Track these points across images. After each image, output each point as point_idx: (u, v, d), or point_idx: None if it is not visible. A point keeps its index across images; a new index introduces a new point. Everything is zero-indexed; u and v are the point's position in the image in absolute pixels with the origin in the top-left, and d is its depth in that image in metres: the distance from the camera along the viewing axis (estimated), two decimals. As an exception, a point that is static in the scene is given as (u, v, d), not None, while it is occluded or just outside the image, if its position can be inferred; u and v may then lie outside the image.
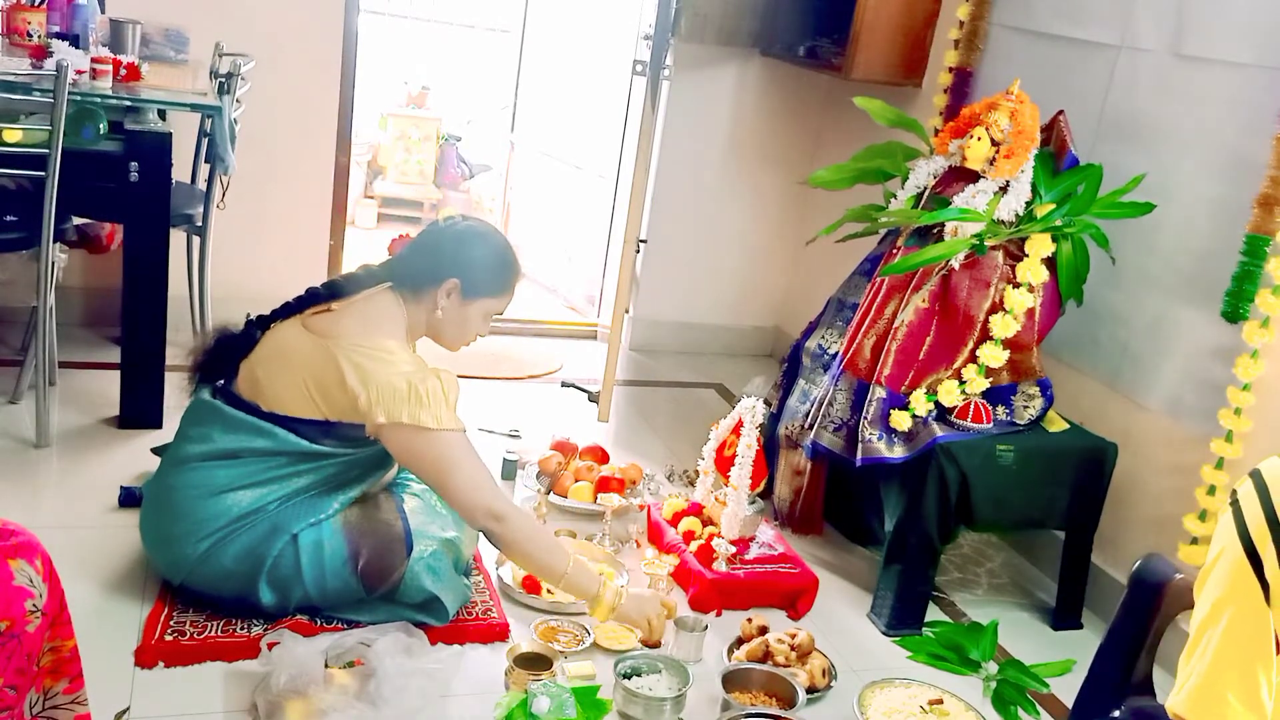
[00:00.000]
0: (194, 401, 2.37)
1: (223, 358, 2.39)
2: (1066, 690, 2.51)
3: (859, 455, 2.75)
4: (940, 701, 2.34)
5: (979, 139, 2.86)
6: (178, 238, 3.46)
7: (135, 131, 2.94)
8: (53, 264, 2.90)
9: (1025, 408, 2.81)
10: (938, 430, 2.70)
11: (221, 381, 2.38)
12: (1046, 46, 3.28)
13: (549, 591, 2.57)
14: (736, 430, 2.81)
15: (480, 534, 2.62)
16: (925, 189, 3.02)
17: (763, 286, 4.74)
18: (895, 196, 3.08)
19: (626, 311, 4.06)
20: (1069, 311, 2.89)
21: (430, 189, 6.96)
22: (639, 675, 2.27)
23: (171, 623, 2.26)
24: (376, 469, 2.41)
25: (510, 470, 3.17)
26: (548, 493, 3.04)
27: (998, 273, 2.80)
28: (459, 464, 2.25)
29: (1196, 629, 1.50)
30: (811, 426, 2.90)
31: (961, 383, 2.77)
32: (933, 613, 2.80)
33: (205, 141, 3.66)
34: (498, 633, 2.42)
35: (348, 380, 2.21)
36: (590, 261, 5.02)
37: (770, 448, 3.03)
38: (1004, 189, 2.84)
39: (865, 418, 2.78)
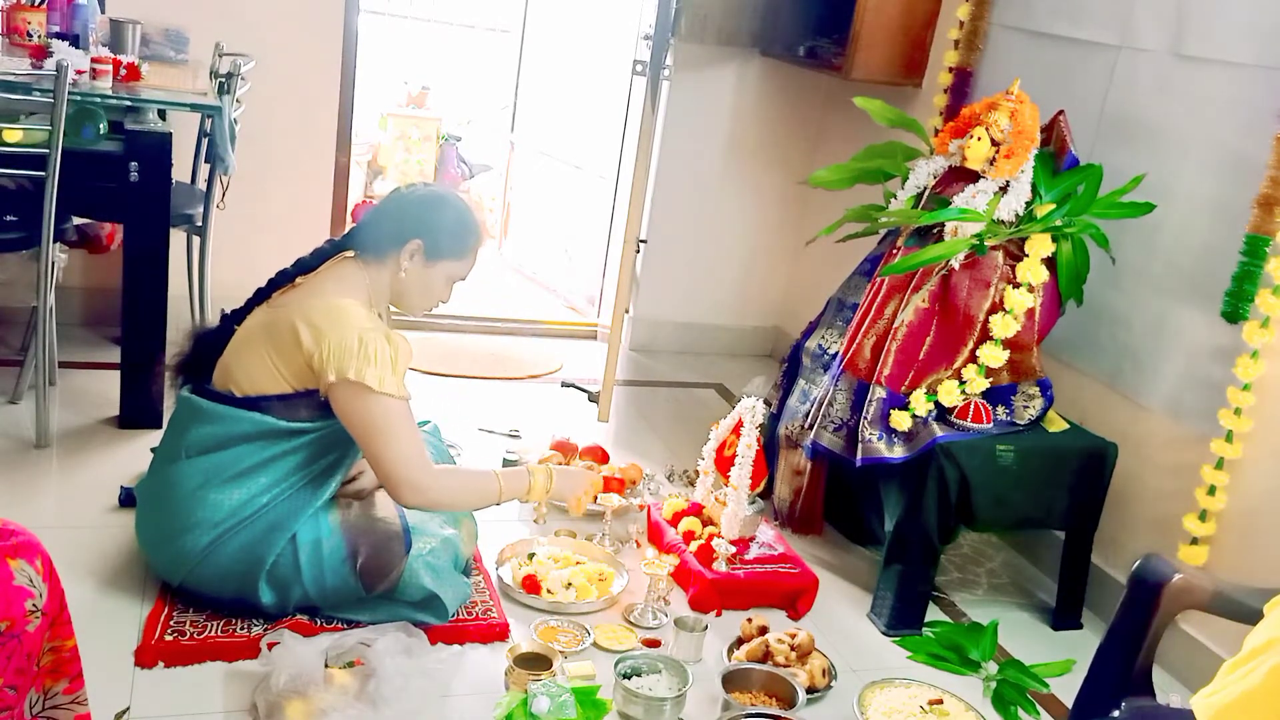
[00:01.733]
0: (176, 401, 2.39)
1: (203, 356, 2.41)
2: (1066, 690, 2.51)
3: (859, 455, 2.75)
4: (940, 701, 2.34)
5: (979, 139, 2.86)
6: (178, 238, 3.46)
7: (135, 131, 2.94)
8: (53, 264, 2.91)
9: (1025, 408, 2.81)
10: (938, 430, 2.70)
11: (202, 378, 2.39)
12: (1046, 46, 3.28)
13: (549, 591, 2.57)
14: (736, 430, 2.81)
15: (480, 529, 2.65)
16: (925, 189, 3.02)
17: (763, 286, 4.74)
18: (895, 196, 3.08)
19: (626, 311, 4.06)
20: (1069, 311, 2.89)
21: (430, 189, 6.95)
22: (639, 675, 2.27)
23: (171, 623, 2.26)
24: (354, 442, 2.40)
25: (510, 470, 3.16)
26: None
27: (998, 273, 2.80)
28: (393, 432, 2.22)
29: (1249, 650, 1.43)
30: (811, 426, 2.90)
31: (961, 383, 2.77)
32: (933, 613, 2.80)
33: (205, 141, 3.66)
34: (498, 633, 2.42)
35: (303, 339, 2.21)
36: (590, 261, 5.02)
37: (770, 448, 3.03)
38: (1004, 189, 2.84)
39: (865, 418, 2.78)
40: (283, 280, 2.42)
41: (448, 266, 2.41)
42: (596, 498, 2.79)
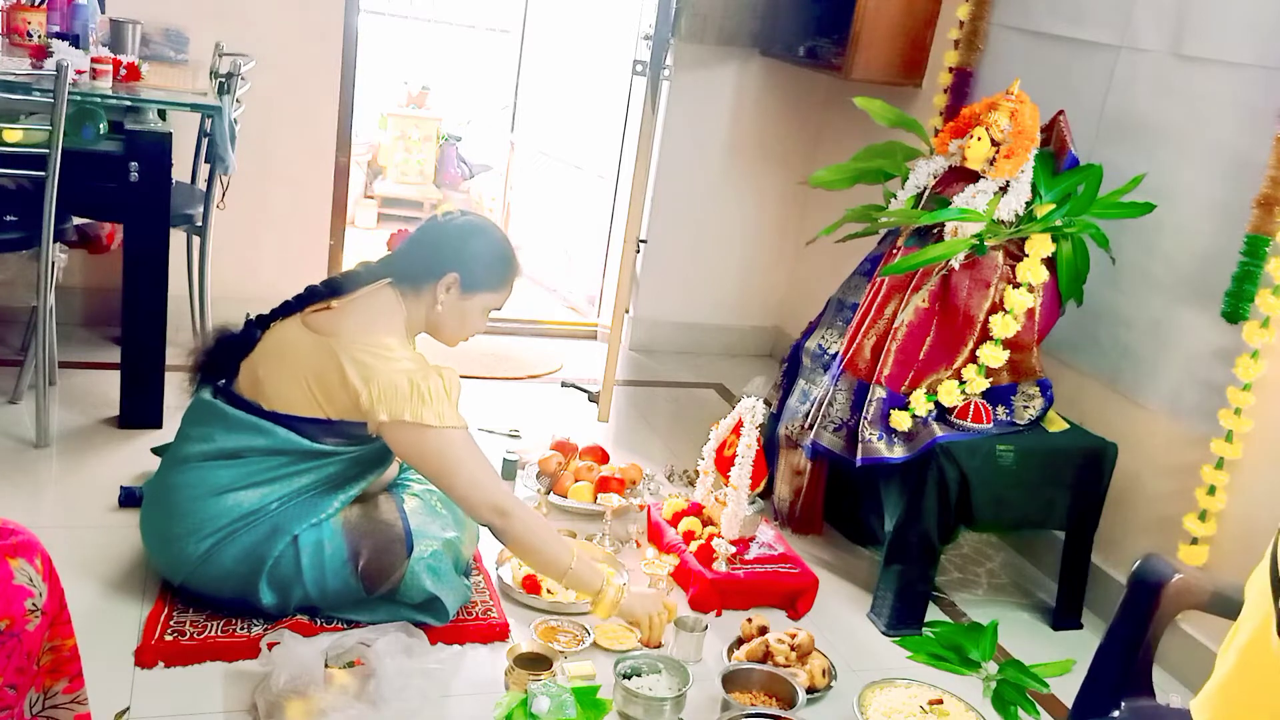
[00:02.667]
0: (195, 401, 2.37)
1: (223, 357, 2.39)
2: (1066, 690, 2.51)
3: (859, 455, 2.75)
4: (940, 701, 2.34)
5: (979, 139, 2.86)
6: (178, 238, 3.46)
7: (135, 131, 2.94)
8: (53, 264, 2.90)
9: (1025, 408, 2.81)
10: (938, 430, 2.70)
11: (223, 381, 2.38)
12: (1046, 46, 3.28)
13: (549, 591, 2.57)
14: (736, 430, 2.81)
15: (480, 532, 2.65)
16: (925, 189, 3.02)
17: (763, 286, 4.74)
18: (895, 196, 3.08)
19: (626, 311, 4.06)
20: (1069, 311, 2.90)
21: (430, 189, 6.96)
22: (639, 675, 2.26)
23: (171, 623, 2.26)
24: (377, 465, 2.41)
25: (510, 470, 3.16)
26: (548, 493, 3.04)
27: (998, 273, 2.80)
28: (462, 461, 2.25)
29: (1228, 636, 1.44)
30: (811, 426, 2.90)
31: (961, 383, 2.77)
32: (933, 613, 2.80)
33: (205, 141, 3.66)
34: (498, 633, 2.42)
35: (349, 378, 2.21)
36: (590, 261, 5.02)
37: (770, 448, 3.03)
38: (1004, 189, 2.84)
39: (865, 418, 2.78)
40: (313, 298, 2.40)
41: (484, 298, 2.41)
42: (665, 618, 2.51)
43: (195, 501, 2.25)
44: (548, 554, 2.33)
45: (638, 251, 3.91)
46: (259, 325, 2.41)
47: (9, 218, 2.96)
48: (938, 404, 2.76)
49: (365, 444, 2.31)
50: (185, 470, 2.29)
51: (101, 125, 2.90)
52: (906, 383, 2.80)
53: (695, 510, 2.95)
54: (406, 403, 2.19)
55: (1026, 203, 2.82)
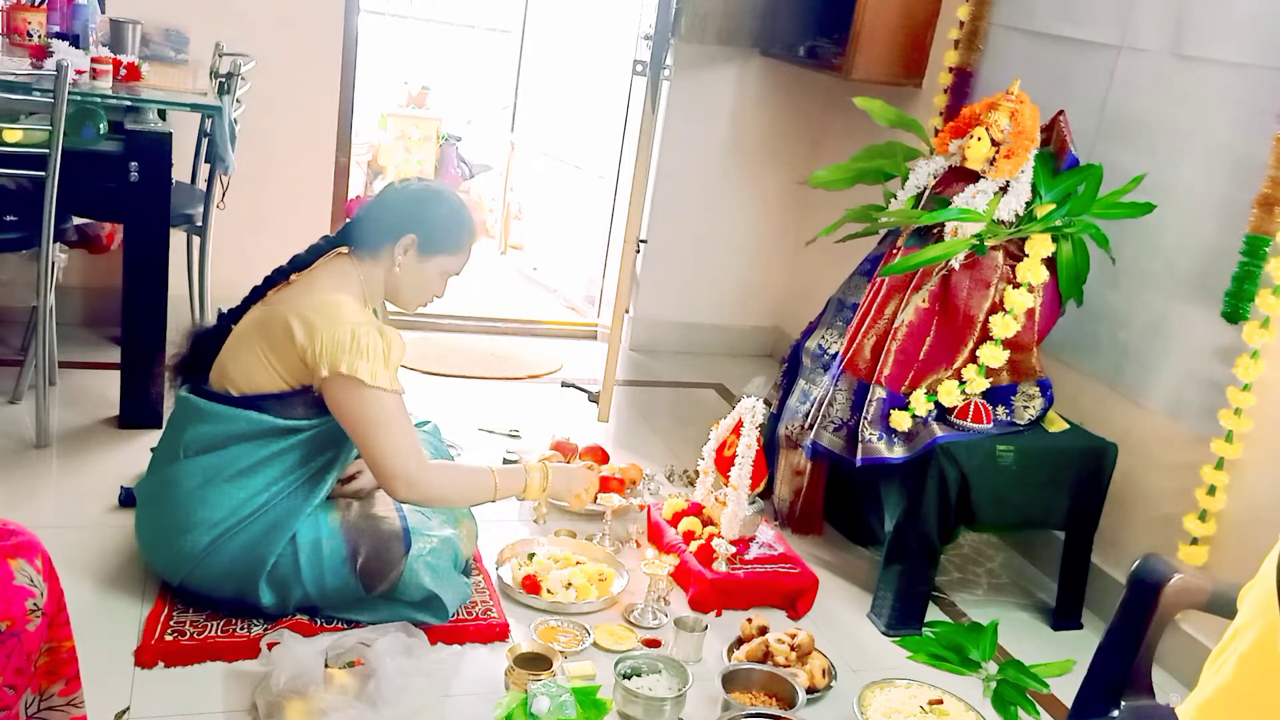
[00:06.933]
0: (175, 401, 2.39)
1: (200, 355, 2.41)
2: (1066, 690, 2.51)
3: (859, 455, 2.75)
4: (940, 701, 2.34)
5: (979, 139, 2.86)
6: (178, 238, 3.46)
7: (135, 131, 2.94)
8: (53, 264, 2.91)
9: (1025, 408, 2.81)
10: (938, 430, 2.70)
11: (200, 378, 2.39)
12: (1046, 46, 3.28)
13: (549, 591, 2.57)
14: (736, 430, 2.81)
15: (479, 530, 2.65)
16: (925, 189, 3.02)
17: (763, 286, 4.74)
18: (895, 196, 3.08)
19: (626, 311, 4.06)
20: (1069, 311, 2.90)
21: (430, 189, 6.95)
22: (639, 675, 2.27)
23: (171, 623, 2.26)
24: (349, 439, 2.40)
25: (510, 470, 3.16)
26: (548, 493, 3.04)
27: (998, 273, 2.80)
28: (386, 425, 2.23)
29: (1220, 644, 1.44)
30: (811, 426, 2.90)
31: (961, 383, 2.77)
32: (933, 613, 2.80)
33: (205, 141, 3.66)
34: (498, 633, 2.42)
35: (296, 335, 2.21)
36: (590, 261, 5.02)
37: (770, 448, 3.03)
38: (1004, 189, 2.84)
39: (865, 418, 2.78)
40: (278, 278, 2.42)
41: (442, 261, 2.41)
42: (596, 497, 2.79)
43: (187, 497, 2.26)
44: (469, 494, 2.40)
45: (638, 251, 3.91)
46: (231, 319, 2.42)
47: (9, 218, 2.96)
48: (938, 404, 2.76)
49: (328, 413, 2.30)
50: (170, 468, 2.30)
51: (101, 125, 2.90)
52: (906, 383, 2.80)
53: (695, 510, 2.95)
54: (345, 354, 2.18)
55: (1026, 203, 2.82)
